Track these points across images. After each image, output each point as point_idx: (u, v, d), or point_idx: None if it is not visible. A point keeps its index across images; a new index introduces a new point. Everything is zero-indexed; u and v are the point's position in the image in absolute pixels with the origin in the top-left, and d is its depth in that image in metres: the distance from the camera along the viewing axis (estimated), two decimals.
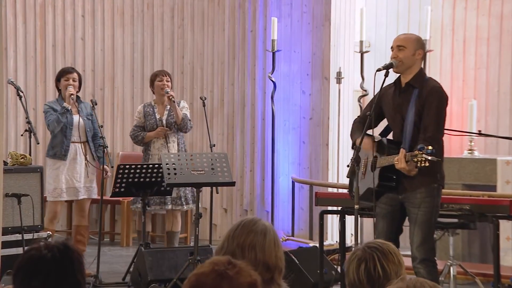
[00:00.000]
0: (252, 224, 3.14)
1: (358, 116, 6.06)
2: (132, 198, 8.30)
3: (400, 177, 5.55)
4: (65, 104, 7.72)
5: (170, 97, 7.96)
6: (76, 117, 7.79)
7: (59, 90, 7.94)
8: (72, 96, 7.73)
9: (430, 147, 5.24)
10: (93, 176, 7.88)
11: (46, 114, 7.77)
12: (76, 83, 7.85)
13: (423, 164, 5.25)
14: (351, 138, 5.90)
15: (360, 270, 3.14)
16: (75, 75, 7.88)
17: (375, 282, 3.12)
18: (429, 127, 5.51)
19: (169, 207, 8.10)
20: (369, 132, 5.64)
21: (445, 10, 9.26)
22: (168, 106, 8.12)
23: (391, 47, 5.70)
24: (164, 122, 8.09)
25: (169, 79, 8.15)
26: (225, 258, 2.50)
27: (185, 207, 8.15)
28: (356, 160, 5.50)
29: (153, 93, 8.26)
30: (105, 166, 7.85)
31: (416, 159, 5.27)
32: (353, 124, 5.98)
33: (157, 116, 8.12)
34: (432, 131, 5.50)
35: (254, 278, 2.48)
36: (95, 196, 8.03)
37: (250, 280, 2.46)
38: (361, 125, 5.76)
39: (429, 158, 5.22)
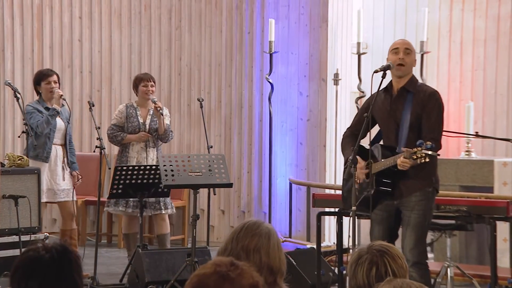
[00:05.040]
0: (256, 227, 3.13)
1: (348, 128, 5.98)
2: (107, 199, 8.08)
3: (396, 181, 5.55)
4: (55, 106, 7.72)
5: (158, 108, 7.89)
6: (59, 120, 7.80)
7: (38, 93, 7.93)
8: (63, 97, 7.75)
9: (429, 142, 5.20)
10: (70, 179, 7.86)
11: (32, 114, 7.72)
12: (57, 85, 7.86)
13: (423, 160, 5.21)
14: (343, 155, 5.86)
15: (371, 274, 3.12)
16: (55, 77, 7.88)
17: None
18: (434, 129, 5.52)
19: (147, 212, 7.99)
20: (365, 137, 5.63)
21: (442, 11, 9.28)
22: (151, 111, 8.05)
23: (395, 49, 5.65)
24: (147, 127, 8.05)
25: (153, 84, 8.10)
26: (228, 259, 2.50)
27: (163, 212, 8.00)
28: (353, 162, 5.49)
29: (136, 95, 8.22)
30: (76, 172, 7.86)
31: (415, 156, 5.23)
32: (343, 139, 5.92)
33: (140, 120, 8.05)
34: (436, 133, 5.52)
35: (256, 280, 2.47)
36: (74, 198, 7.97)
37: (252, 282, 2.45)
38: (352, 139, 5.72)
39: (429, 153, 5.18)
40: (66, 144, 7.86)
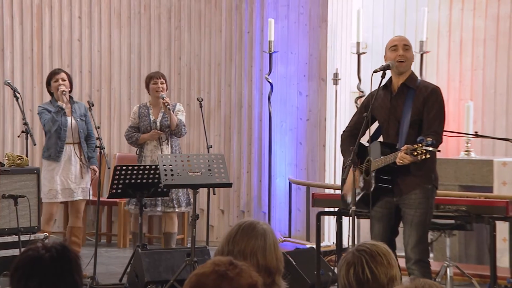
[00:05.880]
0: (251, 229, 3.12)
1: (346, 128, 5.98)
2: (127, 199, 8.27)
3: (395, 178, 5.55)
4: (59, 103, 7.71)
5: (166, 103, 7.94)
6: (69, 118, 7.78)
7: (51, 94, 7.93)
8: (64, 92, 7.73)
9: (429, 139, 5.19)
10: (87, 177, 7.86)
11: (41, 115, 7.76)
12: (66, 82, 7.84)
13: (423, 157, 5.20)
14: (344, 157, 5.85)
15: (350, 275, 3.12)
16: (63, 75, 7.88)
17: (365, 285, 3.10)
18: (435, 122, 5.52)
19: (159, 208, 8.09)
20: (365, 135, 5.63)
21: (441, 11, 9.27)
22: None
23: (394, 46, 5.65)
24: (158, 124, 8.09)
25: (163, 81, 8.15)
26: (227, 258, 2.51)
27: (176, 210, 8.08)
28: (353, 162, 5.49)
29: (149, 94, 8.27)
30: (93, 166, 7.85)
31: (416, 153, 5.22)
32: (342, 142, 5.90)
33: (152, 118, 8.12)
34: (437, 126, 5.52)
35: (254, 279, 2.48)
36: (90, 197, 7.99)
37: (251, 281, 2.46)
38: (351, 140, 5.71)
39: (430, 149, 5.17)
40: (81, 142, 7.83)
